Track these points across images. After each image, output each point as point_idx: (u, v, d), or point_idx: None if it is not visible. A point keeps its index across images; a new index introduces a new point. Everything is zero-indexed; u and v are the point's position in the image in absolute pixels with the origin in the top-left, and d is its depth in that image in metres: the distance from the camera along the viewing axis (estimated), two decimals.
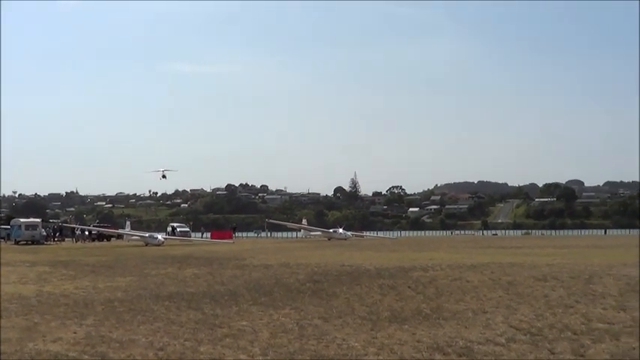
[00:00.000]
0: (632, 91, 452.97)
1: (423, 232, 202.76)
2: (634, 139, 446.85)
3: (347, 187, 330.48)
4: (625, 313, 19.64)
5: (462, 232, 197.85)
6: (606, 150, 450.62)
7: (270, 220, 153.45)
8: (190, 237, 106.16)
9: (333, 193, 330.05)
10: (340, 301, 22.99)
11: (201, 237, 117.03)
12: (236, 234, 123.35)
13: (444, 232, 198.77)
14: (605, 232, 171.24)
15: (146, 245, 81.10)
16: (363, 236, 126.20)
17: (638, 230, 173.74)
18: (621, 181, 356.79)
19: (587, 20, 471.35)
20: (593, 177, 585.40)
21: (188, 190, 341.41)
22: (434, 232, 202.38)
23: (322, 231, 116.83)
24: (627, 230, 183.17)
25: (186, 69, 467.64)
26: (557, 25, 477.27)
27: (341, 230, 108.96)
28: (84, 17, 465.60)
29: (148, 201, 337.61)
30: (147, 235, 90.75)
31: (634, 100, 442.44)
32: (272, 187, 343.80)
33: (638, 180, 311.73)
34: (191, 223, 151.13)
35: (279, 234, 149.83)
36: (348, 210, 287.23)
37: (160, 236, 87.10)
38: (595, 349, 14.89)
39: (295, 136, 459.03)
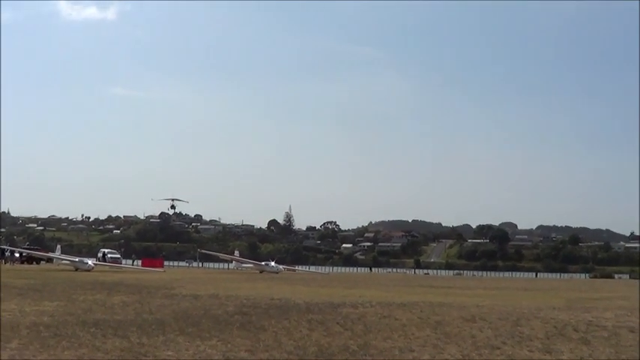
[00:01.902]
0: (567, 136, 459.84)
1: (355, 268, 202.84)
2: (568, 185, 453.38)
3: (281, 221, 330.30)
4: (551, 356, 19.78)
5: (394, 270, 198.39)
6: (540, 194, 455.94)
7: (203, 250, 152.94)
8: (121, 264, 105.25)
9: (267, 225, 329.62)
10: (268, 335, 22.85)
11: (132, 264, 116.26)
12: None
13: (376, 269, 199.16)
14: (536, 276, 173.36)
15: (76, 270, 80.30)
16: (295, 270, 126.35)
17: (568, 274, 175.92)
18: (554, 225, 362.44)
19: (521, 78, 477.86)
20: (526, 220, 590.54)
21: (121, 216, 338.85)
22: (366, 268, 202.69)
23: (254, 263, 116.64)
24: (558, 274, 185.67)
25: (122, 93, 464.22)
26: (488, 74, 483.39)
27: (273, 263, 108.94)
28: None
29: (80, 225, 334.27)
30: (77, 259, 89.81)
31: (569, 146, 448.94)
32: (206, 217, 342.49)
33: (570, 225, 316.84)
34: (122, 250, 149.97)
35: (211, 264, 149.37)
36: (282, 243, 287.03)
37: (90, 261, 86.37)
38: None
39: (230, 167, 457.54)
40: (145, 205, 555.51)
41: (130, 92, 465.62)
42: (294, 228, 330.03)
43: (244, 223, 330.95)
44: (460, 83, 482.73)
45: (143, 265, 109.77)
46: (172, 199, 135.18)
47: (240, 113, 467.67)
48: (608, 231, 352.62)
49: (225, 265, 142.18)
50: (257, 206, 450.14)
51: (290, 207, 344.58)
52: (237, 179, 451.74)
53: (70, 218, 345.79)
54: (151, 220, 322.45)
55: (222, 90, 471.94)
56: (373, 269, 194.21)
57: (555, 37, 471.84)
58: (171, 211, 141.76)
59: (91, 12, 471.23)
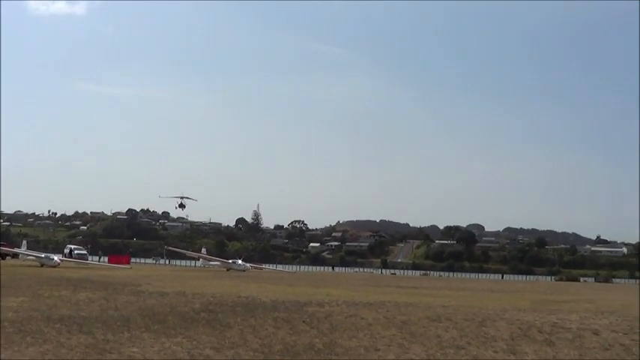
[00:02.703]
0: (534, 139, 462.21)
1: (322, 267, 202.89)
2: (535, 188, 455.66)
3: (249, 219, 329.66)
4: (515, 357, 19.91)
5: (362, 269, 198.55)
6: (507, 196, 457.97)
7: (170, 248, 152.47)
8: (87, 260, 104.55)
9: (234, 223, 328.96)
10: (234, 332, 22.84)
11: (99, 261, 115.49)
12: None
13: (341, 268, 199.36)
14: (503, 277, 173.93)
15: (41, 266, 79.87)
16: (262, 269, 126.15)
17: (534, 277, 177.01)
18: (521, 228, 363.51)
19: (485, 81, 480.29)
20: (493, 222, 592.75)
21: (88, 212, 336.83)
22: (333, 268, 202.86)
23: (221, 261, 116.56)
24: (524, 276, 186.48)
25: (90, 88, 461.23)
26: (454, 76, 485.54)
27: (240, 261, 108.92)
28: None
29: (47, 221, 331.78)
30: (43, 255, 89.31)
31: (535, 150, 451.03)
32: (173, 215, 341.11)
33: (537, 227, 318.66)
34: (89, 246, 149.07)
35: (178, 262, 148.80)
36: (249, 242, 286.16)
37: (56, 257, 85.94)
38: None
39: (198, 164, 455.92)
40: (112, 202, 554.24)
41: (97, 88, 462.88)
42: (261, 226, 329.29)
43: (212, 221, 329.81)
44: (425, 84, 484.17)
45: (110, 261, 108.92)
46: (181, 197, 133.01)
47: (208, 110, 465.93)
48: (574, 234, 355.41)
49: (193, 262, 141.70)
50: (225, 204, 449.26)
51: (258, 205, 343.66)
52: (204, 177, 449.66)
53: (36, 214, 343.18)
54: (118, 216, 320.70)
55: (191, 87, 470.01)
56: (336, 268, 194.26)
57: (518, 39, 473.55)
58: (179, 210, 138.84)
59: (60, 6, 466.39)
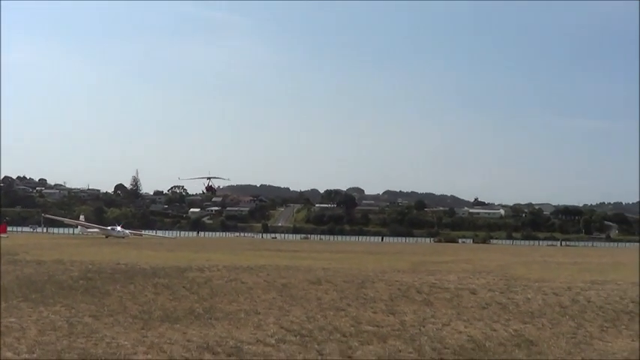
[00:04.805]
0: (414, 103, 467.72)
1: (203, 232, 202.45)
2: (414, 151, 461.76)
3: (128, 185, 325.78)
4: (394, 317, 20.16)
5: (242, 234, 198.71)
6: (387, 160, 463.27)
7: (47, 215, 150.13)
8: None
9: (113, 190, 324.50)
10: (113, 300, 22.63)
11: None
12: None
13: (224, 233, 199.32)
14: (382, 240, 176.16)
15: None
16: (141, 235, 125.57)
17: (413, 238, 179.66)
18: (400, 191, 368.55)
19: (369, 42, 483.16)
20: (373, 186, 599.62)
21: None
22: (214, 233, 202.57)
23: (100, 228, 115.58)
24: (404, 238, 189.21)
25: None
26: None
27: (119, 228, 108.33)
28: None
29: None
30: None
31: (414, 112, 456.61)
32: (50, 181, 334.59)
33: (416, 190, 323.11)
34: None
35: (56, 230, 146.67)
36: (128, 208, 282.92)
37: None
38: (362, 350, 15.18)
39: (75, 129, 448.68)
40: None
41: None
42: (141, 192, 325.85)
43: (90, 188, 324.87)
44: (314, 48, 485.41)
45: None
46: (208, 178, 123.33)
47: (88, 76, 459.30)
48: (452, 197, 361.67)
49: (71, 230, 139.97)
50: (103, 170, 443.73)
51: (137, 171, 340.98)
52: (83, 142, 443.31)
53: None
54: None
55: (72, 52, 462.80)
56: (217, 233, 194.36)
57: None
58: (208, 194, 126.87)
59: None
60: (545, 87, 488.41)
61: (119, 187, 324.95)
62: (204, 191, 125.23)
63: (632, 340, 17.65)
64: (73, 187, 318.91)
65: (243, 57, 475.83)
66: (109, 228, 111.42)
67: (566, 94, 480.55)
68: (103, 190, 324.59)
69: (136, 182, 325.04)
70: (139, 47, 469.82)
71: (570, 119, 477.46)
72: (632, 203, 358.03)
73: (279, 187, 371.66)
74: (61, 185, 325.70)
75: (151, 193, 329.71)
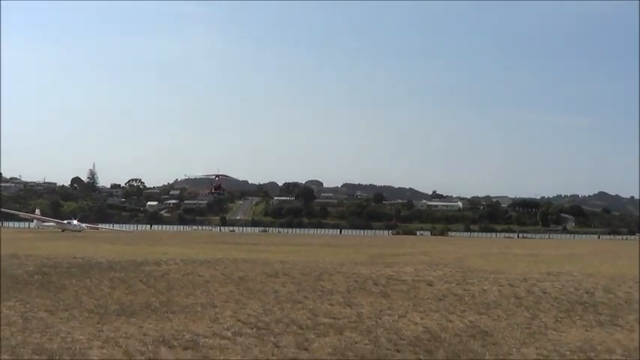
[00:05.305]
0: (370, 96, 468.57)
1: (160, 226, 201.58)
2: (373, 143, 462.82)
3: (85, 178, 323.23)
4: (351, 309, 20.19)
5: (200, 227, 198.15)
6: (345, 152, 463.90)
7: (2, 209, 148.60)
8: None
9: (70, 183, 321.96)
10: (68, 294, 22.46)
11: None
12: None
13: (182, 226, 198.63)
14: (341, 232, 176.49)
15: None
16: (98, 229, 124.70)
17: (372, 231, 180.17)
18: (359, 184, 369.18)
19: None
20: (332, 179, 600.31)
21: None
22: (171, 226, 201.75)
23: (56, 222, 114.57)
24: (362, 231, 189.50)
25: None
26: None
27: (75, 222, 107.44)
28: None
29: None
30: None
31: (372, 104, 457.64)
32: (6, 175, 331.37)
33: (374, 183, 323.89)
34: None
35: (11, 224, 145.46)
36: (85, 201, 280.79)
37: None
38: (319, 342, 15.17)
39: (33, 122, 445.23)
40: None
41: None
42: (98, 186, 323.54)
43: (46, 181, 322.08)
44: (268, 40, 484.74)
45: None
46: (217, 176, 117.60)
47: (48, 66, 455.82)
48: (411, 190, 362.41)
49: (26, 224, 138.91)
50: (60, 163, 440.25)
51: (94, 164, 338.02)
52: (39, 135, 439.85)
53: None
54: None
55: (33, 42, 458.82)
56: (174, 227, 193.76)
57: None
58: (215, 194, 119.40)
59: None
60: (509, 82, 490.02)
61: (76, 180, 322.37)
62: (212, 191, 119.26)
63: (586, 330, 17.82)
64: (28, 181, 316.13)
65: (199, 49, 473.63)
66: (65, 222, 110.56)
67: (530, 89, 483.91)
68: (60, 183, 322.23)
69: (93, 175, 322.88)
70: (100, 36, 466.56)
71: (529, 114, 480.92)
72: (589, 196, 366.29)
73: (237, 180, 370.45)
74: (16, 179, 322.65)
75: (108, 187, 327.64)
